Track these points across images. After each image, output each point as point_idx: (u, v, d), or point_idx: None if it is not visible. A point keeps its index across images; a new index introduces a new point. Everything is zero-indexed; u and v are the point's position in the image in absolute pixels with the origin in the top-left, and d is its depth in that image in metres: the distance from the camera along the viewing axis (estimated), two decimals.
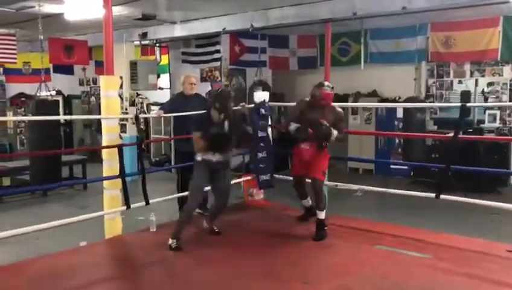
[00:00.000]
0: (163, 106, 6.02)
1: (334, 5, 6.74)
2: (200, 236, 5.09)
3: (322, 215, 4.81)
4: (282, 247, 4.67)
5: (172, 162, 8.86)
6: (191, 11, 7.86)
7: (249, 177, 6.24)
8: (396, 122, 8.90)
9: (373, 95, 9.40)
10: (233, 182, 6.38)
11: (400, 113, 8.70)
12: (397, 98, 8.84)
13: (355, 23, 8.39)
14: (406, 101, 8.43)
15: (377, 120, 9.19)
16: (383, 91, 9.29)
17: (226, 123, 4.66)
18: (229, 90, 4.97)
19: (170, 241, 4.53)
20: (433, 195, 4.62)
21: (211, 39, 9.10)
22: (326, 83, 4.99)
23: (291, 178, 6.31)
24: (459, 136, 4.77)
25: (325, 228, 4.81)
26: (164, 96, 9.89)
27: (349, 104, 9.00)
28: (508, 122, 8.29)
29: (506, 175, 7.88)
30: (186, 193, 5.57)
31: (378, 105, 8.57)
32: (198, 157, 4.66)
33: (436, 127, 8.47)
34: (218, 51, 9.10)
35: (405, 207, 6.23)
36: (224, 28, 8.20)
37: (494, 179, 7.68)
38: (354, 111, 9.45)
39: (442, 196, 4.64)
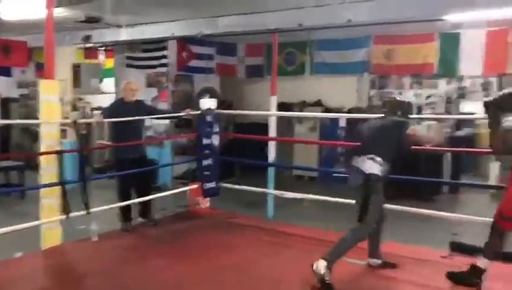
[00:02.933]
0: (104, 111, 5.87)
1: (281, 15, 6.86)
2: (146, 246, 5.02)
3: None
4: (226, 255, 4.67)
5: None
6: (138, 15, 7.74)
7: (195, 186, 6.19)
8: (339, 131, 9.15)
9: (318, 104, 9.62)
10: (178, 190, 6.37)
11: (343, 123, 8.99)
12: (341, 108, 9.08)
13: (301, 34, 8.57)
14: (349, 111, 8.70)
15: (321, 129, 9.41)
16: (328, 101, 9.52)
17: None
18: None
19: (323, 266, 3.67)
20: None
21: (158, 44, 8.99)
22: None
23: (237, 186, 6.37)
24: None
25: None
26: (108, 100, 9.63)
27: (295, 113, 9.16)
28: (444, 134, 8.71)
29: (438, 184, 8.28)
30: (128, 202, 5.48)
31: (323, 115, 8.76)
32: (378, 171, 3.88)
33: None
34: (165, 56, 9.00)
35: (345, 215, 6.39)
36: (173, 34, 8.14)
37: (430, 187, 8.04)
38: (300, 120, 9.62)
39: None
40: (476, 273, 3.79)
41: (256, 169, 7.81)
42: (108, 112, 5.65)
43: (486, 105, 3.80)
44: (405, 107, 4.19)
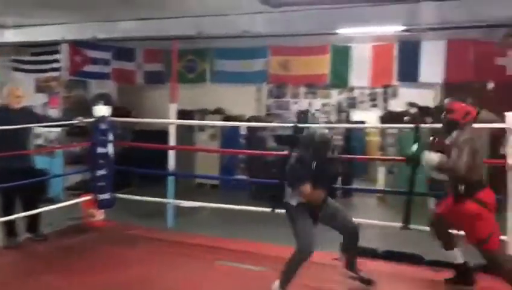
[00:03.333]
0: None
1: (180, 22, 6.82)
2: (33, 263, 4.67)
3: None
4: (122, 269, 4.50)
5: None
6: (26, 16, 7.24)
7: (88, 197, 5.89)
8: (240, 139, 9.27)
9: (218, 112, 9.66)
10: (70, 202, 6.02)
11: (243, 131, 9.14)
12: (241, 116, 9.22)
13: (202, 41, 8.58)
14: (248, 119, 8.86)
15: (222, 136, 9.47)
16: (228, 109, 9.61)
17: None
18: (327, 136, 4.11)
19: None
20: (268, 209, 4.90)
21: (49, 47, 8.45)
22: None
23: (133, 197, 6.17)
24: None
25: None
26: None
27: (195, 121, 9.13)
28: (335, 141, 9.21)
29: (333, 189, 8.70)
30: (12, 217, 5.07)
31: (223, 123, 8.82)
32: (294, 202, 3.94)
33: (275, 143, 9.04)
34: (57, 60, 8.48)
35: (246, 222, 6.48)
36: (64, 37, 7.71)
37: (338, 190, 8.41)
38: (201, 127, 9.60)
39: (277, 210, 4.94)
40: None
41: (157, 178, 7.64)
42: None
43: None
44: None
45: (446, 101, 3.89)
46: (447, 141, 3.80)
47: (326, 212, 3.98)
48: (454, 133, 3.75)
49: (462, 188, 3.65)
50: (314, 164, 3.82)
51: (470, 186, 3.64)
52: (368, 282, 4.12)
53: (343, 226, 4.06)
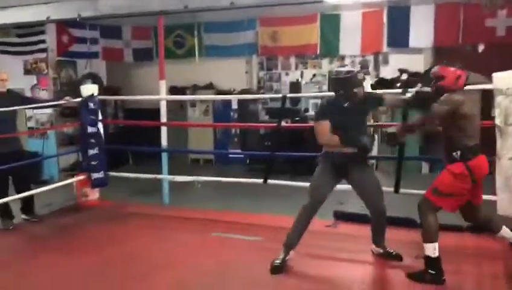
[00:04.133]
0: None
1: None
2: (30, 243, 4.72)
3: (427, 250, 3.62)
4: (119, 246, 4.54)
5: None
6: None
7: (81, 177, 5.90)
8: (232, 113, 9.25)
9: (209, 87, 9.59)
10: (62, 183, 6.04)
11: (235, 105, 9.11)
12: (232, 90, 9.16)
13: (189, 16, 8.46)
14: (239, 93, 8.81)
15: (214, 112, 9.44)
16: (219, 84, 9.54)
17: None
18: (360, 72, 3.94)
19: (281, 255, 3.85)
20: (261, 181, 4.94)
21: (34, 28, 8.33)
22: None
23: (127, 174, 6.20)
24: (282, 124, 5.16)
25: (431, 272, 3.59)
26: None
27: (184, 96, 9.07)
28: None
29: None
30: (5, 199, 5.09)
31: (214, 98, 8.76)
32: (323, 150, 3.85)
33: (267, 116, 9.02)
34: (43, 41, 8.35)
35: (241, 194, 6.53)
36: (49, 17, 7.58)
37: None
38: (193, 104, 9.56)
39: (269, 181, 4.98)
40: (430, 264, 3.58)
41: (152, 156, 7.65)
42: None
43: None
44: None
45: (435, 68, 3.73)
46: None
47: (354, 177, 3.83)
48: (445, 94, 3.59)
49: (458, 153, 3.54)
50: (346, 104, 3.68)
51: (465, 152, 3.53)
52: (396, 257, 3.99)
53: (369, 202, 3.90)
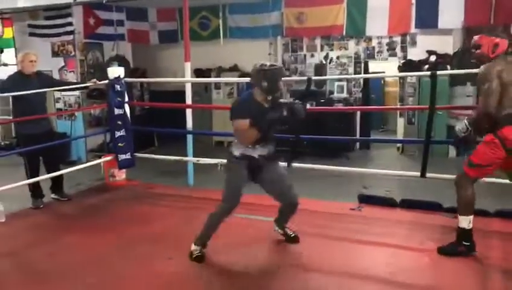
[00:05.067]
0: (1, 86, 5.49)
1: None
2: (60, 222, 4.85)
3: (462, 222, 3.62)
4: (144, 225, 4.63)
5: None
6: None
7: (109, 158, 6.01)
8: None
9: (234, 69, 9.60)
10: (90, 163, 6.16)
11: None
12: None
13: None
14: None
15: (238, 94, 9.43)
16: (243, 65, 9.51)
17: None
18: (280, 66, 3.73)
19: (193, 247, 3.75)
20: (285, 164, 4.92)
21: (61, 11, 8.44)
22: None
23: (153, 156, 6.27)
24: (308, 107, 5.11)
25: (465, 243, 3.61)
26: (9, 73, 8.94)
27: (209, 79, 9.07)
28: (353, 93, 9.11)
29: (352, 142, 8.74)
30: (37, 179, 5.24)
31: (238, 80, 8.68)
32: (236, 152, 3.64)
33: (292, 99, 8.95)
34: (70, 24, 8.47)
35: None
36: (75, 0, 7.68)
37: (343, 145, 8.44)
38: (217, 86, 9.57)
39: (293, 165, 4.97)
40: (463, 236, 3.60)
41: (177, 138, 7.72)
42: (5, 86, 5.28)
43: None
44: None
45: (474, 37, 3.65)
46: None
47: (267, 175, 3.69)
48: (482, 67, 3.53)
49: (487, 126, 3.49)
50: (267, 103, 3.49)
51: (497, 122, 3.42)
52: (294, 239, 4.03)
53: (283, 194, 3.80)
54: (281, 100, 3.63)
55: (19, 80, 5.24)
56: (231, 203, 3.65)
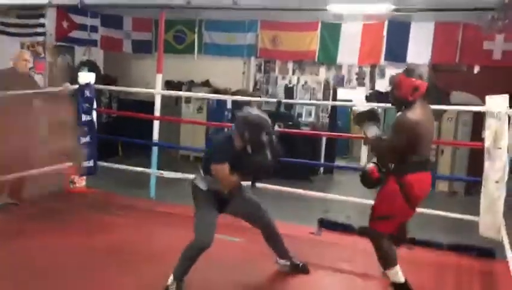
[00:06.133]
0: None
1: None
2: (13, 226, 4.70)
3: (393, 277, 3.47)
4: (101, 235, 4.54)
5: None
6: None
7: (69, 163, 5.88)
8: (226, 113, 9.25)
9: (206, 85, 9.62)
10: (51, 168, 6.00)
11: (230, 104, 9.09)
12: (228, 90, 9.18)
13: (191, 12, 8.47)
14: (235, 93, 8.83)
15: (208, 109, 9.44)
16: (215, 82, 9.57)
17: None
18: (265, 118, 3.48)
19: (169, 281, 3.44)
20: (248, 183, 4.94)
21: (35, 11, 8.30)
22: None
23: (117, 165, 6.17)
24: (275, 129, 5.18)
25: None
26: None
27: (182, 93, 9.04)
28: (321, 117, 9.27)
29: (317, 166, 8.87)
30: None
31: (209, 96, 8.70)
32: (203, 186, 3.55)
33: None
34: (42, 25, 8.32)
35: None
36: (50, 1, 7.59)
37: (308, 168, 8.54)
38: (187, 100, 9.56)
39: (257, 185, 4.99)
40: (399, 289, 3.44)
41: (143, 148, 7.64)
42: None
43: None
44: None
45: (392, 75, 3.51)
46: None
47: (237, 202, 3.66)
48: (400, 116, 3.30)
49: (392, 166, 3.31)
50: (250, 148, 3.43)
51: (403, 166, 3.27)
52: (303, 269, 3.92)
53: (258, 218, 3.73)
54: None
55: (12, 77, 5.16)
56: (202, 242, 3.40)
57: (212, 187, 3.50)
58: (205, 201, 3.52)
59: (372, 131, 3.44)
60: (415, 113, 3.23)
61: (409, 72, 3.33)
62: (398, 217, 3.38)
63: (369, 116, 3.48)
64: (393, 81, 3.42)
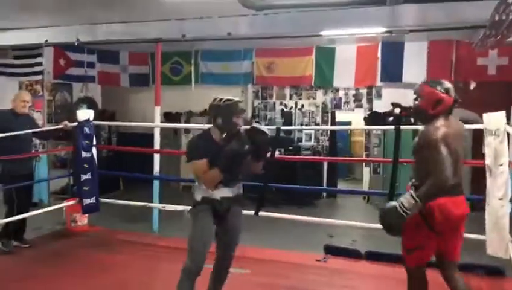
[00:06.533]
0: None
1: (163, 25, 6.79)
2: (20, 269, 4.64)
3: None
4: (103, 274, 4.48)
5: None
6: (10, 19, 7.17)
7: (72, 202, 5.85)
8: None
9: (204, 114, 9.64)
10: (53, 207, 5.97)
11: None
12: None
13: (186, 44, 8.56)
14: None
15: None
16: None
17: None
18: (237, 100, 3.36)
19: None
20: (252, 212, 4.91)
21: (31, 51, 8.39)
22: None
23: (118, 201, 6.13)
24: (276, 156, 5.19)
25: None
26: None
27: (181, 125, 9.08)
28: (321, 141, 9.28)
29: (319, 191, 8.83)
30: (10, 219, 5.03)
31: (207, 126, 8.72)
32: (198, 197, 3.32)
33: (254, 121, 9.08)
34: (39, 64, 8.41)
35: None
36: (47, 40, 7.67)
37: (310, 193, 8.50)
38: (187, 130, 9.59)
39: (260, 213, 4.97)
40: None
41: (143, 181, 7.62)
42: None
43: None
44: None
45: (422, 81, 3.12)
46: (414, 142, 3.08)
47: (229, 222, 3.36)
48: (421, 129, 3.05)
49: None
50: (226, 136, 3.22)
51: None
52: None
53: (227, 246, 3.43)
54: (241, 128, 3.29)
55: (8, 117, 5.19)
56: (195, 263, 3.18)
57: (205, 196, 3.26)
58: (199, 213, 3.27)
59: (407, 201, 2.84)
60: (437, 128, 2.86)
61: (434, 82, 3.02)
62: (427, 247, 3.04)
63: (394, 216, 2.91)
64: (417, 90, 3.08)
